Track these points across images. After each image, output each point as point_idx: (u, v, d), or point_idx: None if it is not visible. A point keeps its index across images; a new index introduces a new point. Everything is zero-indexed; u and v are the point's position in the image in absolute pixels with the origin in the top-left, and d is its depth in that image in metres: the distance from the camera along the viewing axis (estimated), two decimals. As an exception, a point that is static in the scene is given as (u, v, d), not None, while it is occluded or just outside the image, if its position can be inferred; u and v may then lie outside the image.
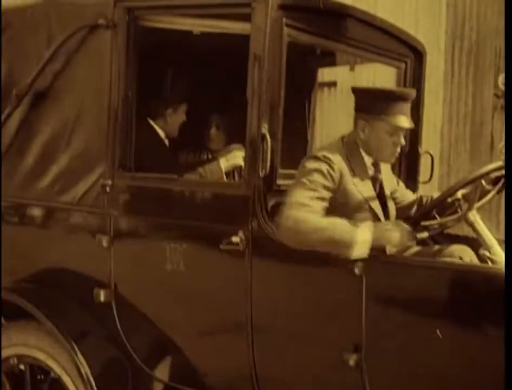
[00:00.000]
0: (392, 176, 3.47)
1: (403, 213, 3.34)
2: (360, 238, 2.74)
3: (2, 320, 3.72)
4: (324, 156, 2.96)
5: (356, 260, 2.75)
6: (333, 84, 6.63)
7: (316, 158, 2.96)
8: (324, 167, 2.93)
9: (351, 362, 2.79)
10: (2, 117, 3.49)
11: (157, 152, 3.76)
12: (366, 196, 3.05)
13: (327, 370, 2.91)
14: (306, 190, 2.86)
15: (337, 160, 2.98)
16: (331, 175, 2.94)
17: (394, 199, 3.38)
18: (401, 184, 3.56)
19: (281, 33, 2.96)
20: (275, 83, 2.96)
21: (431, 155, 3.91)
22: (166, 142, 4.03)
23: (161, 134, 3.99)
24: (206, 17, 3.08)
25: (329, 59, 4.30)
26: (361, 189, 3.04)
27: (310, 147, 4.33)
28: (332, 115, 6.52)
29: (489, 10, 7.35)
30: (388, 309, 2.79)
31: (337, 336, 2.86)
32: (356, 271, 2.75)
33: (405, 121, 3.07)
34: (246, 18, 2.94)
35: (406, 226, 2.89)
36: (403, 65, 3.86)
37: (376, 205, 3.08)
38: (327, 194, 2.91)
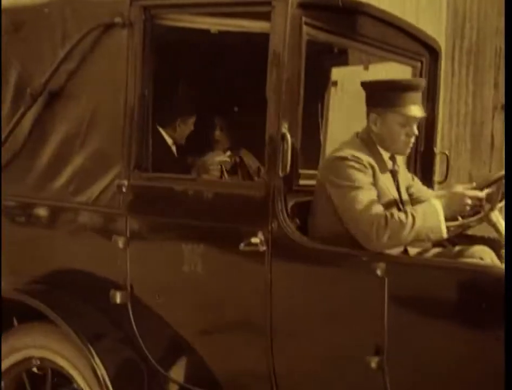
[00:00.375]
0: (406, 172, 3.45)
1: None
2: (441, 215, 2.81)
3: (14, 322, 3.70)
4: (353, 156, 2.94)
5: (378, 262, 2.74)
6: (333, 83, 6.63)
7: (345, 159, 2.94)
8: (358, 166, 2.92)
9: (373, 364, 2.76)
10: (16, 117, 3.44)
11: (162, 158, 3.73)
12: (392, 191, 3.05)
13: (349, 372, 2.89)
14: (363, 193, 2.86)
15: (365, 157, 2.98)
16: (367, 173, 2.93)
17: (410, 194, 3.37)
18: (417, 180, 3.55)
19: (301, 31, 2.94)
20: (294, 82, 2.94)
21: (447, 155, 3.90)
22: (173, 148, 4.03)
23: (168, 140, 4.00)
24: (224, 15, 3.05)
25: (343, 58, 4.28)
26: (387, 185, 3.04)
27: (324, 148, 4.31)
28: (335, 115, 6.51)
29: (489, 10, 7.35)
30: (410, 311, 2.77)
31: (358, 338, 2.83)
32: (379, 272, 2.73)
33: (416, 110, 3.07)
34: (265, 16, 2.92)
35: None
36: (419, 64, 3.85)
37: (399, 200, 3.09)
38: (375, 191, 2.92)
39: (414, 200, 3.36)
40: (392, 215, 2.81)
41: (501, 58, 7.14)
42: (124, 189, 3.21)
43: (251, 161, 4.31)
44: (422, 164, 3.91)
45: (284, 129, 2.87)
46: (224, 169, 4.14)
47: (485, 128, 7.32)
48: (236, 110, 4.24)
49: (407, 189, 3.36)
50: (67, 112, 3.38)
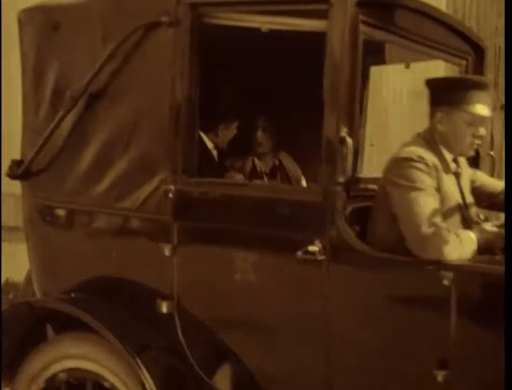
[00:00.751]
0: (468, 168, 3.34)
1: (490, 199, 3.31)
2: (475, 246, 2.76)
3: (50, 332, 3.59)
4: (418, 157, 2.83)
5: (445, 271, 2.63)
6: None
7: (410, 159, 2.83)
8: (423, 167, 2.82)
9: (439, 378, 2.65)
10: (55, 120, 3.32)
11: (203, 163, 3.62)
12: (456, 195, 2.95)
13: (412, 385, 2.78)
14: (425, 197, 2.77)
15: (430, 158, 2.87)
16: (432, 175, 2.83)
17: (476, 188, 3.31)
18: (480, 173, 3.46)
19: (358, 30, 2.82)
20: (352, 83, 2.82)
21: (492, 156, 3.80)
22: (214, 153, 3.93)
23: (209, 144, 3.89)
24: (277, 13, 2.93)
25: (381, 57, 4.16)
26: (451, 188, 2.94)
27: (362, 149, 4.21)
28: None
29: (489, 10, 7.27)
30: (478, 322, 2.66)
31: (423, 350, 2.72)
32: (446, 282, 2.62)
33: (484, 110, 2.97)
34: (321, 15, 2.80)
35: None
36: (464, 62, 3.73)
37: (463, 205, 2.99)
38: (438, 196, 2.82)
39: (480, 192, 3.30)
40: (448, 230, 2.73)
41: (501, 58, 7.06)
42: (170, 195, 3.09)
43: (290, 164, 4.19)
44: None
45: (343, 132, 2.76)
46: (263, 172, 4.04)
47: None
48: (279, 112, 4.12)
49: (472, 182, 3.28)
50: (109, 115, 3.25)
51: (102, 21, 3.25)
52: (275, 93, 4.08)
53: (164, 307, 3.13)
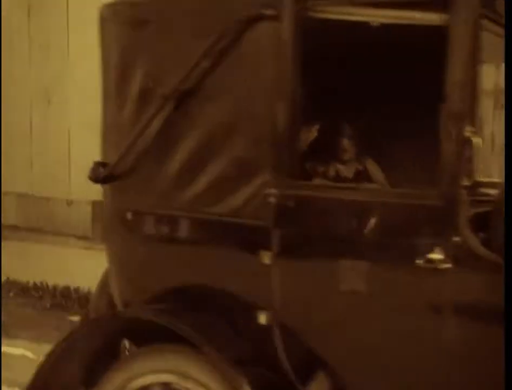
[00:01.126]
0: None
1: None
2: None
3: (127, 345, 3.42)
4: None
5: None
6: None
7: None
8: None
9: None
10: (144, 120, 3.14)
11: None
12: None
13: None
14: None
15: None
16: None
17: None
18: None
19: (480, 25, 2.65)
20: (474, 80, 2.65)
21: None
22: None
23: None
24: (392, 6, 2.75)
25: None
26: None
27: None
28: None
29: None
30: None
31: None
32: None
33: None
34: (442, 7, 2.63)
35: None
36: None
37: None
38: None
39: None
40: None
41: (501, 58, 6.91)
42: (272, 199, 2.91)
43: (375, 171, 4.00)
44: None
45: (468, 132, 2.58)
46: (347, 178, 3.86)
47: (485, 128, 7.10)
48: (372, 116, 3.94)
49: None
50: (202, 115, 3.07)
51: (194, 17, 3.08)
52: (371, 96, 3.90)
53: (263, 318, 2.95)
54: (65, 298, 7.01)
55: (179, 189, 3.13)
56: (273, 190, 2.90)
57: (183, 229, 3.20)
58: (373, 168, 4.01)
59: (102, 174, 3.30)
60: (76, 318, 6.10)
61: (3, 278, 7.40)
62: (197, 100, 3.08)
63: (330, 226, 2.85)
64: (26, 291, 7.30)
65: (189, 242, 3.18)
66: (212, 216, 3.06)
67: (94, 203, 7.88)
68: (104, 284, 3.83)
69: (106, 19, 3.36)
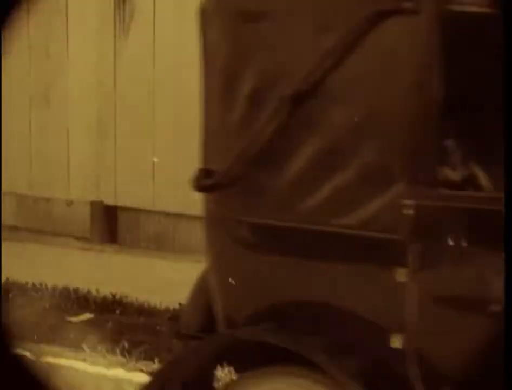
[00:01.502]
0: None
1: None
2: None
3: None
4: None
5: None
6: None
7: None
8: None
9: None
10: (259, 125, 2.89)
11: None
12: None
13: None
14: None
15: None
16: None
17: None
18: None
19: None
20: None
21: None
22: None
23: None
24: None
25: None
26: None
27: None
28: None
29: None
30: None
31: None
32: None
33: None
34: None
35: None
36: None
37: None
38: None
39: None
40: None
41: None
42: (408, 211, 2.65)
43: (482, 176, 3.72)
44: None
45: None
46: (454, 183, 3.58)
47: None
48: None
49: None
50: (325, 118, 2.81)
51: (316, 10, 2.82)
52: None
53: (397, 342, 2.70)
54: (64, 298, 6.84)
55: (297, 199, 2.88)
56: (410, 201, 2.65)
57: (302, 242, 2.94)
58: (480, 173, 3.73)
59: (209, 182, 3.05)
60: (75, 319, 5.90)
61: (3, 279, 7.24)
62: (318, 101, 2.82)
63: (473, 237, 2.59)
64: (25, 291, 7.13)
65: (307, 255, 2.93)
66: (337, 229, 2.81)
67: (94, 204, 7.94)
68: (196, 298, 3.57)
69: (210, 11, 3.08)
